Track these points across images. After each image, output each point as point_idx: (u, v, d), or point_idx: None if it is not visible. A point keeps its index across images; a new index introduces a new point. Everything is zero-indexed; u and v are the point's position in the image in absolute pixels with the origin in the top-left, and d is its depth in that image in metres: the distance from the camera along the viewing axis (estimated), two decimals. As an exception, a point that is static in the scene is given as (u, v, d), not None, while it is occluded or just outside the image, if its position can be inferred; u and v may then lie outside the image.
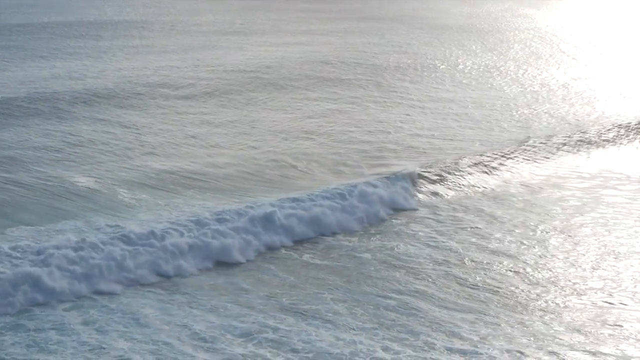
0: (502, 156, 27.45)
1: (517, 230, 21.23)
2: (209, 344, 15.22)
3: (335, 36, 56.93)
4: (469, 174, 25.57)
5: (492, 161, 27.06)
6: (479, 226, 21.60)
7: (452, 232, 21.22)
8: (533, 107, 35.73)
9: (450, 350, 15.21)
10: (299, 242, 20.45)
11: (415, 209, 22.76)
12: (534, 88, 40.33)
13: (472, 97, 37.56)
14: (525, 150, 28.45)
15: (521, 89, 39.98)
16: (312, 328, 15.93)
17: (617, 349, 15.34)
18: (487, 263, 19.32)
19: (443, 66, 45.74)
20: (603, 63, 48.79)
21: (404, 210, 22.65)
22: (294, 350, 15.05)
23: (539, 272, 18.79)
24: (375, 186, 23.31)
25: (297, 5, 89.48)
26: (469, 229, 21.37)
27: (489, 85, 40.69)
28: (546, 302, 17.33)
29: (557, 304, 17.23)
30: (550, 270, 18.93)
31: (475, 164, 26.43)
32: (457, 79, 42.30)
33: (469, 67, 45.70)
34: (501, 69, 45.81)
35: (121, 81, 37.48)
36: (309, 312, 16.67)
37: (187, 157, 26.84)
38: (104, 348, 14.78)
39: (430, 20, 69.43)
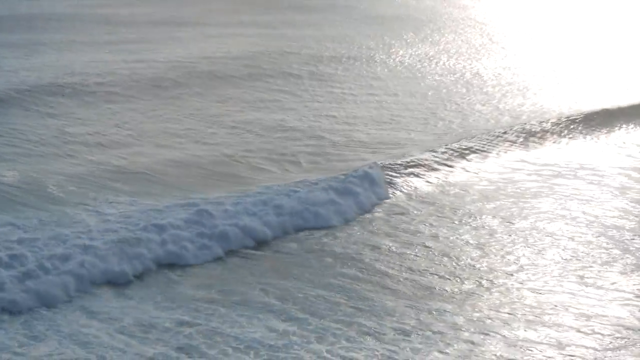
0: (452, 150, 27.20)
1: (464, 226, 21.12)
2: (140, 337, 14.98)
3: (270, 27, 56.61)
4: (424, 169, 25.40)
5: (445, 155, 26.93)
6: (428, 219, 21.51)
7: (388, 223, 21.17)
8: (468, 98, 35.71)
9: (383, 339, 15.18)
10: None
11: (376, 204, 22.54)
12: (468, 79, 40.40)
13: (412, 89, 37.49)
14: (471, 143, 28.17)
15: (455, 80, 40.00)
16: (244, 319, 15.78)
17: (546, 334, 15.48)
18: (425, 252, 19.35)
19: (384, 57, 45.69)
20: (539, 53, 49.06)
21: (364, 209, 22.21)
22: (227, 342, 14.87)
23: (479, 264, 18.84)
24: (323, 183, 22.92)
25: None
26: (416, 222, 21.28)
27: (430, 77, 40.70)
28: (477, 292, 17.36)
29: (490, 293, 17.29)
30: (486, 260, 18.99)
31: (427, 160, 26.26)
32: (399, 71, 42.21)
33: (408, 58, 45.70)
34: (437, 59, 45.85)
35: (53, 76, 36.76)
36: (240, 303, 16.50)
37: (117, 150, 26.47)
38: None
39: (365, 11, 69.33)
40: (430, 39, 53.25)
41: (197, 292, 16.97)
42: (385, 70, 42.11)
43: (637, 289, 17.44)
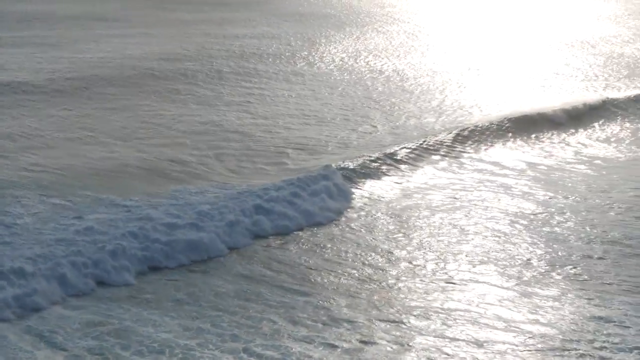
0: (390, 157, 26.52)
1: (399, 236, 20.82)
2: (49, 339, 14.61)
3: (191, 25, 56.15)
4: (370, 176, 24.79)
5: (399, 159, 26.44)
6: (355, 224, 21.28)
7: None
8: (395, 98, 35.50)
9: (295, 336, 15.07)
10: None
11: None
12: (395, 77, 40.44)
13: (339, 88, 37.29)
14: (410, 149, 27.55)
15: (384, 79, 40.00)
16: (156, 317, 15.51)
17: (460, 330, 15.59)
18: (339, 253, 19.31)
19: (309, 55, 45.57)
20: (467, 52, 49.36)
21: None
22: (140, 342, 14.59)
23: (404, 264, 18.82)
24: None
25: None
26: (342, 226, 21.07)
27: (355, 75, 40.65)
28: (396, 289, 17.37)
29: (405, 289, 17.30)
30: (411, 261, 19.01)
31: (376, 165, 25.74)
32: (326, 70, 42.08)
33: (332, 56, 45.65)
34: (360, 56, 45.87)
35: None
36: (152, 301, 16.24)
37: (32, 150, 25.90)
38: None
39: (282, 8, 69.26)
40: (352, 37, 53.38)
41: (107, 292, 16.69)
42: (312, 68, 42.00)
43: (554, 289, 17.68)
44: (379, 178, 24.59)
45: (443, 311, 16.20)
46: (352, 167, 24.79)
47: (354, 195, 22.92)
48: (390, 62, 44.35)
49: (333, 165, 24.40)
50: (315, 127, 29.98)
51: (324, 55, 45.97)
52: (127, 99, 33.60)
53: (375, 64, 43.78)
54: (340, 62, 43.81)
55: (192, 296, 16.60)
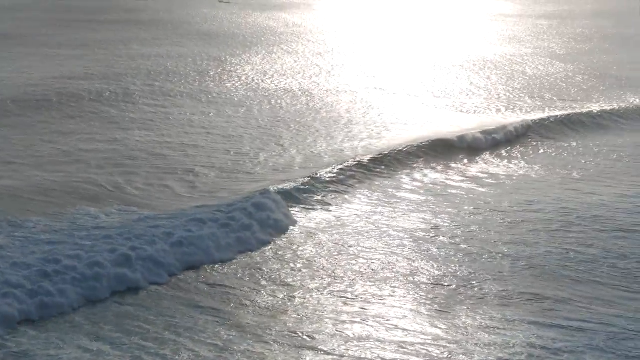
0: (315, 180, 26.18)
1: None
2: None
3: (102, 45, 55.64)
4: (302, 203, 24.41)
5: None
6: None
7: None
8: (312, 122, 35.19)
9: (197, 355, 15.01)
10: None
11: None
12: (312, 100, 40.51)
13: (254, 110, 37.13)
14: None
15: (291, 101, 40.02)
16: (54, 339, 15.30)
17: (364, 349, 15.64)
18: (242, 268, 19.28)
19: (222, 74, 45.46)
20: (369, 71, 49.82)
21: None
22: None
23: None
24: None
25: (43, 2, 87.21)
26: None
27: (269, 95, 40.64)
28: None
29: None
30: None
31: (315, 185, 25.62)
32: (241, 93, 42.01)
33: (243, 76, 45.64)
34: (270, 76, 45.99)
35: None
36: (49, 324, 16.02)
37: None
38: None
39: (197, 27, 69.19)
40: (260, 55, 53.55)
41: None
42: (220, 87, 41.95)
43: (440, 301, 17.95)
44: (300, 202, 24.31)
45: (352, 335, 16.23)
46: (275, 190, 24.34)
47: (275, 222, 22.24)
48: (297, 82, 44.54)
49: (271, 188, 24.23)
50: (224, 147, 29.91)
51: (231, 74, 45.99)
52: (29, 117, 33.16)
53: (281, 83, 43.93)
54: (247, 82, 43.87)
55: (90, 319, 16.40)
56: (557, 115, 37.46)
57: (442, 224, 22.88)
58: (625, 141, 34.40)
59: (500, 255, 20.51)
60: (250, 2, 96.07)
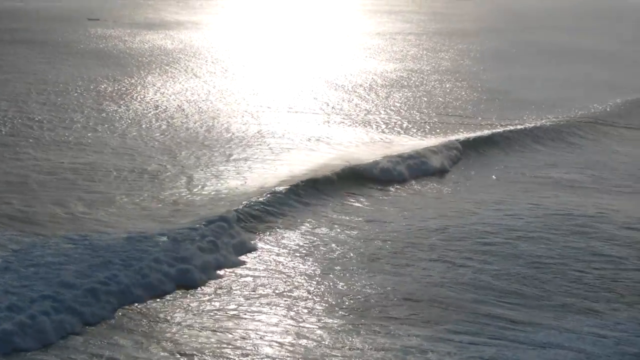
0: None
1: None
2: None
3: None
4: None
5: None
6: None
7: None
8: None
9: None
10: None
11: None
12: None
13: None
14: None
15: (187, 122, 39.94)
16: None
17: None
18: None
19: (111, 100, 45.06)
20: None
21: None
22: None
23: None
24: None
25: None
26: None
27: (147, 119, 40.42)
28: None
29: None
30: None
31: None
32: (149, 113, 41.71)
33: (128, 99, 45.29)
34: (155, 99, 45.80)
35: None
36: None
37: None
38: None
39: (72, 46, 68.33)
40: (141, 74, 53.22)
41: None
42: (121, 107, 41.62)
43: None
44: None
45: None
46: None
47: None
48: (192, 102, 44.48)
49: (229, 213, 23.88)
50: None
51: (126, 94, 45.71)
52: None
53: (175, 103, 43.84)
54: (142, 102, 43.66)
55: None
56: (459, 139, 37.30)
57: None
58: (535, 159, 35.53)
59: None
60: (122, 21, 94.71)
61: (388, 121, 41.21)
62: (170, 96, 45.67)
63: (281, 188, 27.48)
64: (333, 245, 23.33)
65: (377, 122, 40.95)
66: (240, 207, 25.15)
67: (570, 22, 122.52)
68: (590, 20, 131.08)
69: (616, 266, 22.28)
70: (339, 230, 24.82)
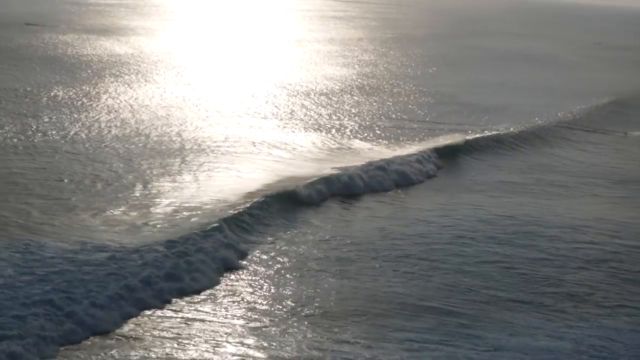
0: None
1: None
2: None
3: None
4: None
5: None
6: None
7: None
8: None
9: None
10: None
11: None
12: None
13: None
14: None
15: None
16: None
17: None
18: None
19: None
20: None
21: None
22: None
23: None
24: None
25: None
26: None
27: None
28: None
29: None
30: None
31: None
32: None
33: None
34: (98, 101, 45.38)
35: None
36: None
37: None
38: None
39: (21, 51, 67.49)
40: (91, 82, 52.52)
41: None
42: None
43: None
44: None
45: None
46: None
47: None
48: (150, 110, 44.00)
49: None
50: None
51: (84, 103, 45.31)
52: None
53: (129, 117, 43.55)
54: (100, 110, 43.24)
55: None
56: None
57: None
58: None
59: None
60: (59, 26, 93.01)
61: (342, 126, 41.51)
62: (122, 102, 45.18)
63: (231, 204, 26.80)
64: (286, 258, 23.17)
65: (329, 127, 41.15)
66: (195, 227, 23.95)
67: (513, 28, 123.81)
68: (532, 25, 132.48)
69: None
70: (295, 246, 24.39)
